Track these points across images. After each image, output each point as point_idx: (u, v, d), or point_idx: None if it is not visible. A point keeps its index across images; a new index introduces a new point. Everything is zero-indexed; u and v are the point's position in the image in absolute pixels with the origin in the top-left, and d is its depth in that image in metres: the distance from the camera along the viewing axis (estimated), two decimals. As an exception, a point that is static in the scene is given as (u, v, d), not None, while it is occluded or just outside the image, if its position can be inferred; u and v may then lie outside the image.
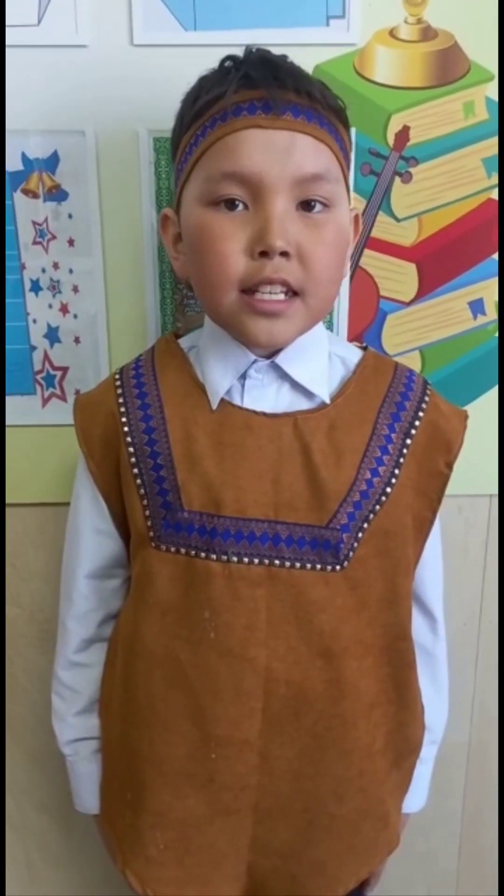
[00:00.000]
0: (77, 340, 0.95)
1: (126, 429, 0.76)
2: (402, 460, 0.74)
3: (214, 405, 0.74)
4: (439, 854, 1.18)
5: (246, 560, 0.72)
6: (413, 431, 0.75)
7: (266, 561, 0.72)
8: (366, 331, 0.96)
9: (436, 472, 0.77)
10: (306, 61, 0.73)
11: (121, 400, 0.77)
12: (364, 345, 0.82)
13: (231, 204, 0.67)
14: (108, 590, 0.84)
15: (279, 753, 0.75)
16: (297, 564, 0.72)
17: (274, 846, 0.79)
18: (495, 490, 1.02)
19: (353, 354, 0.79)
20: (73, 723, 0.86)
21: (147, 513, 0.75)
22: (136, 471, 0.75)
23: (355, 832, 0.80)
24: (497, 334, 0.97)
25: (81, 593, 0.83)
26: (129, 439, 0.75)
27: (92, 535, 0.82)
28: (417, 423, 0.75)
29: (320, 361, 0.76)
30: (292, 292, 0.68)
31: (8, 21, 0.85)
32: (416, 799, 0.88)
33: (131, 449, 0.75)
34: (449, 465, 0.77)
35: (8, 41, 0.86)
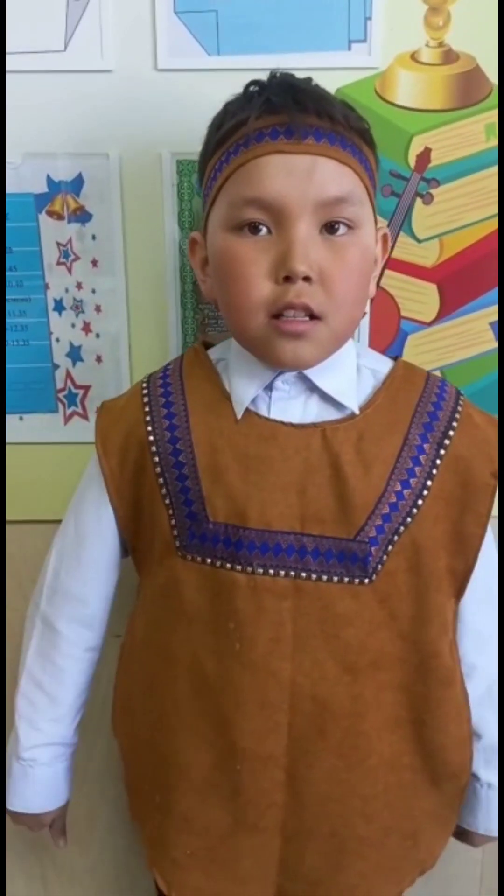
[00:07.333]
0: (99, 359, 0.96)
1: (151, 437, 0.75)
2: (434, 472, 0.73)
3: (239, 415, 0.73)
4: (460, 880, 1.16)
5: (272, 572, 0.71)
6: (447, 441, 0.73)
7: (292, 573, 0.71)
8: (387, 351, 0.95)
9: (482, 485, 0.74)
10: (328, 85, 0.74)
11: (147, 409, 0.77)
12: (395, 356, 0.81)
13: (254, 228, 0.67)
14: None
15: (306, 775, 0.74)
16: (325, 577, 0.71)
17: (302, 871, 0.78)
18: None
19: (384, 365, 0.78)
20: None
21: (173, 522, 0.74)
22: (161, 480, 0.75)
23: (380, 849, 0.78)
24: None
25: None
26: (153, 448, 0.75)
27: (87, 538, 0.81)
28: (451, 432, 0.74)
29: (348, 373, 0.75)
30: (314, 316, 0.68)
31: (35, 47, 0.87)
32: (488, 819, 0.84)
33: (156, 458, 0.75)
34: (494, 474, 0.74)
35: (35, 66, 0.87)
